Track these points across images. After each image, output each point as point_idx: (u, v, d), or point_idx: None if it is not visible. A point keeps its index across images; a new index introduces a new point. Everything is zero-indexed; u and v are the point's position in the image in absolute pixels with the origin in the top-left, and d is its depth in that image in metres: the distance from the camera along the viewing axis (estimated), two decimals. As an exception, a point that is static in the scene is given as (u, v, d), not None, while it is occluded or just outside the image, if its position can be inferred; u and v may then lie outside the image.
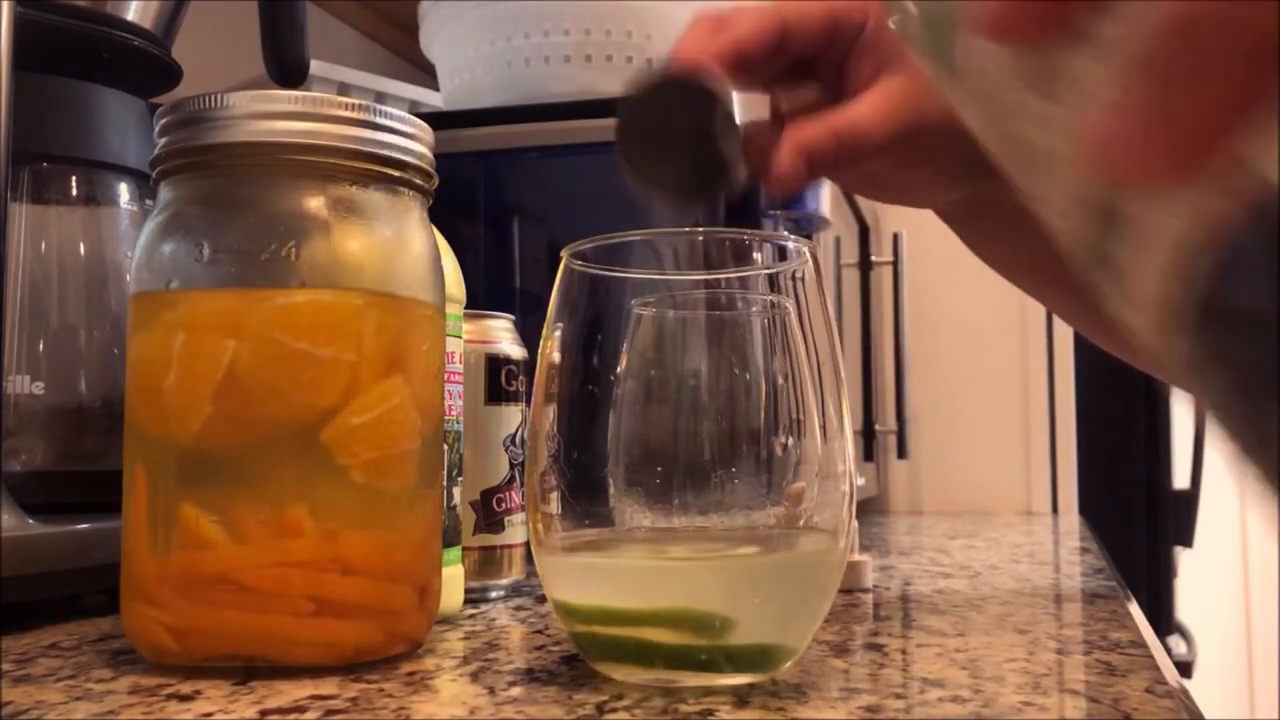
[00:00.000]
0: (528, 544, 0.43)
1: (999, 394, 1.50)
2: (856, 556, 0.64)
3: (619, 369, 0.40)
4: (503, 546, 0.60)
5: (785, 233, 0.53)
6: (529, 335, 0.57)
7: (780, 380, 0.40)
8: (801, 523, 0.40)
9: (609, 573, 0.40)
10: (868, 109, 0.51)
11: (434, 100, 1.12)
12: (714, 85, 0.50)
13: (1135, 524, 1.83)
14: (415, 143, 0.44)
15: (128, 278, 0.58)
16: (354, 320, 0.41)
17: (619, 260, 0.41)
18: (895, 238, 1.40)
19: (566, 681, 0.39)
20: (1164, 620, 1.85)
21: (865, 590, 0.64)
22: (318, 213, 0.42)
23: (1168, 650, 1.46)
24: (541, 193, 0.89)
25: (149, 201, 0.62)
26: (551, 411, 0.40)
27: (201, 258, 0.41)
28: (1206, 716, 0.40)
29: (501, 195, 0.89)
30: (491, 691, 0.38)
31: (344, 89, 1.05)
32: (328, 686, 0.38)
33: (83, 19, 0.60)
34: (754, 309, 0.41)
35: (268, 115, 0.42)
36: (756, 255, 0.42)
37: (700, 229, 0.41)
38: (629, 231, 0.41)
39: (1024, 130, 0.23)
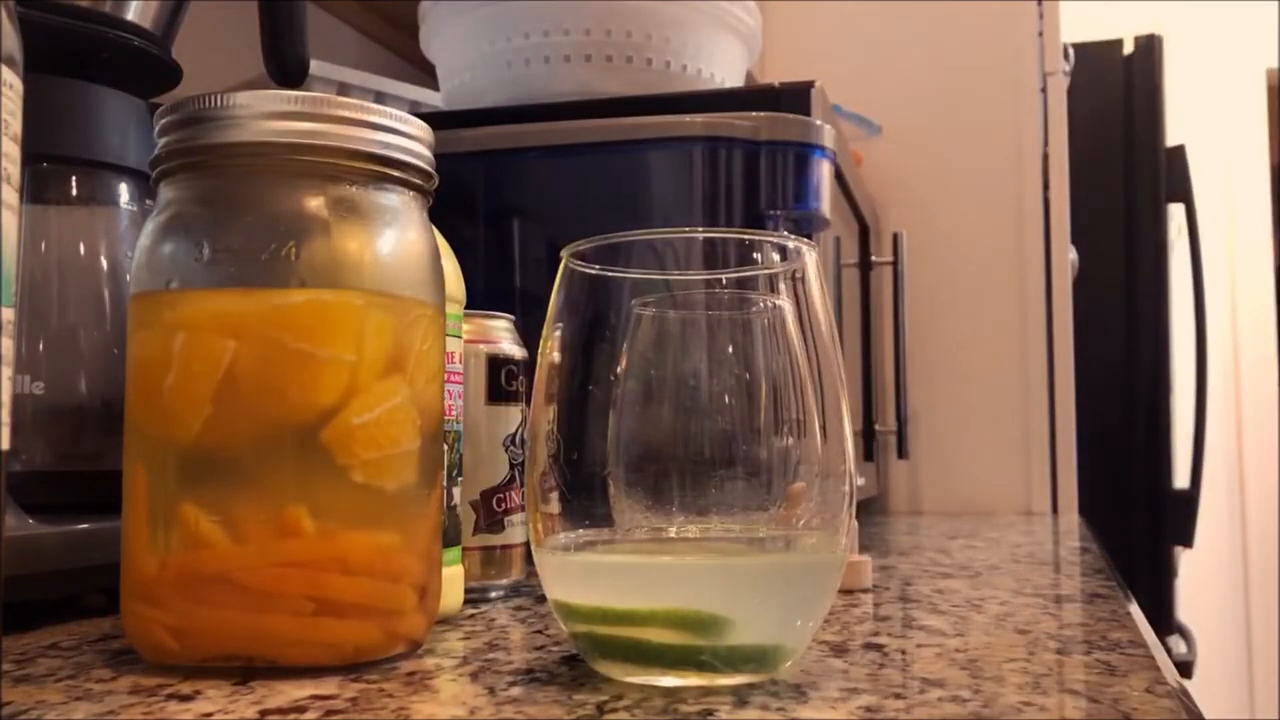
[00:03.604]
0: (528, 544, 0.43)
1: (999, 394, 1.50)
2: (856, 556, 0.64)
3: (619, 369, 0.40)
4: (503, 546, 0.60)
5: (785, 233, 0.53)
6: (529, 335, 0.57)
7: (780, 380, 0.40)
8: (801, 523, 0.40)
9: (609, 573, 0.40)
10: None
11: (434, 100, 1.12)
12: None
13: (1135, 524, 1.83)
14: (415, 143, 0.44)
15: (128, 278, 0.58)
16: (354, 320, 0.41)
17: (619, 260, 0.41)
18: (895, 238, 1.40)
19: (566, 681, 0.39)
20: (1164, 620, 1.85)
21: (865, 590, 0.64)
22: (318, 213, 0.42)
23: (1168, 650, 1.46)
24: (541, 193, 0.89)
25: (149, 201, 0.62)
26: (551, 411, 0.40)
27: (201, 258, 0.41)
28: (1206, 716, 0.40)
29: (501, 195, 0.89)
30: (491, 691, 0.38)
31: (344, 89, 1.05)
32: (328, 686, 0.38)
33: (83, 19, 0.60)
34: (754, 309, 0.41)
35: (268, 115, 0.42)
36: (756, 255, 0.42)
37: (700, 229, 0.41)
38: (629, 231, 0.41)
39: None
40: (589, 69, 0.97)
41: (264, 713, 0.35)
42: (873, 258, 1.39)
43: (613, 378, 0.40)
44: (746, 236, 0.42)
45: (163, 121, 0.43)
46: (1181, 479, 1.90)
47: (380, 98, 1.08)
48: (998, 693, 0.37)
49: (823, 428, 0.40)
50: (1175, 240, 1.96)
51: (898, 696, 0.37)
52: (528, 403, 0.58)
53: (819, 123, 0.86)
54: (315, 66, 0.88)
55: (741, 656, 0.38)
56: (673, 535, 0.40)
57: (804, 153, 0.85)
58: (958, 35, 1.57)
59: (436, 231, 0.47)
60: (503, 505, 0.60)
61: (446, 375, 0.48)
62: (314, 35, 0.71)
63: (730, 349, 0.41)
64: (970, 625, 0.51)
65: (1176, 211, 1.95)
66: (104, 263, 0.60)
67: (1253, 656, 2.82)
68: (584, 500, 0.40)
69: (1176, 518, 1.87)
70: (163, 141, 0.43)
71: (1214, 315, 2.13)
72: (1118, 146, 1.90)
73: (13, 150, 0.33)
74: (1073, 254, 1.56)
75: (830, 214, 0.88)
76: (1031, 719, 0.34)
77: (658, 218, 0.85)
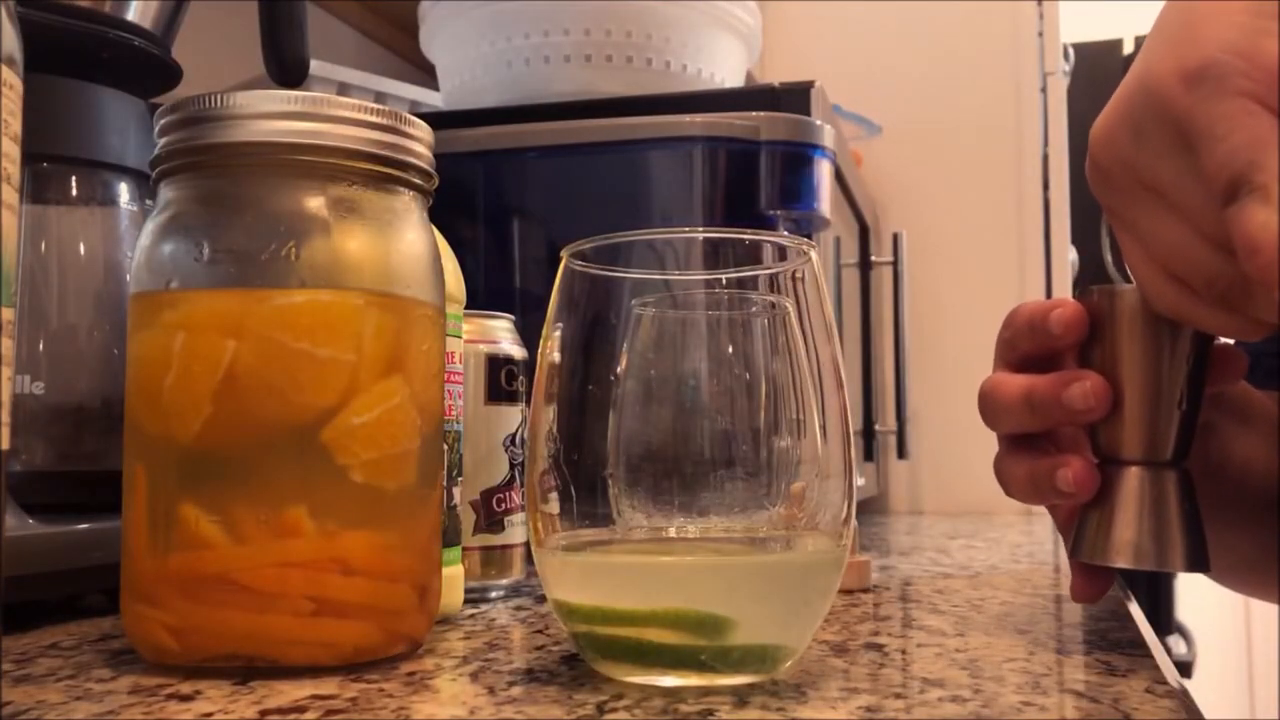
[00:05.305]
0: (528, 544, 0.43)
1: (999, 394, 1.50)
2: (857, 556, 0.64)
3: (619, 369, 0.40)
4: (503, 546, 0.60)
5: (785, 233, 0.53)
6: (529, 335, 0.57)
7: (780, 380, 0.40)
8: (801, 523, 0.40)
9: (609, 573, 0.40)
10: None
11: (434, 100, 1.12)
12: None
13: (1135, 524, 1.82)
14: (415, 143, 0.44)
15: (128, 278, 0.58)
16: (354, 320, 0.41)
17: (619, 260, 0.41)
18: (895, 238, 1.40)
19: (566, 681, 0.39)
20: (1164, 620, 1.85)
21: (865, 590, 0.64)
22: (318, 213, 0.42)
23: (1168, 650, 1.46)
24: (541, 193, 0.89)
25: (149, 201, 0.62)
26: (551, 411, 0.40)
27: (201, 258, 0.41)
28: (1206, 716, 0.40)
29: (501, 195, 0.89)
30: (491, 691, 0.38)
31: (344, 89, 1.05)
32: (328, 686, 0.38)
33: (83, 19, 0.60)
34: (754, 309, 0.41)
35: (268, 115, 0.42)
36: (756, 255, 0.42)
37: (700, 229, 0.41)
38: (629, 231, 0.41)
39: None
40: (589, 69, 0.97)
41: (264, 713, 0.35)
42: (873, 258, 1.39)
43: (613, 378, 0.40)
44: (746, 236, 0.42)
45: (163, 121, 0.43)
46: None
47: (380, 98, 1.08)
48: (998, 693, 0.37)
49: (823, 428, 0.40)
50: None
51: (898, 696, 0.37)
52: (528, 403, 0.58)
53: (819, 123, 0.86)
54: (315, 66, 0.88)
55: (741, 656, 0.38)
56: (673, 535, 0.40)
57: (804, 153, 0.85)
58: (958, 35, 1.57)
59: (436, 231, 0.47)
60: (503, 505, 0.60)
61: (446, 375, 0.48)
62: (314, 35, 0.71)
63: (730, 349, 0.41)
64: (970, 625, 0.51)
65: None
66: (104, 263, 0.60)
67: (1253, 656, 2.82)
68: (584, 500, 0.40)
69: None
70: (163, 141, 0.43)
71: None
72: (1118, 146, 1.89)
73: (13, 150, 0.33)
74: (1073, 254, 1.56)
75: (830, 214, 0.88)
76: (1031, 719, 0.34)
77: (658, 218, 0.85)
